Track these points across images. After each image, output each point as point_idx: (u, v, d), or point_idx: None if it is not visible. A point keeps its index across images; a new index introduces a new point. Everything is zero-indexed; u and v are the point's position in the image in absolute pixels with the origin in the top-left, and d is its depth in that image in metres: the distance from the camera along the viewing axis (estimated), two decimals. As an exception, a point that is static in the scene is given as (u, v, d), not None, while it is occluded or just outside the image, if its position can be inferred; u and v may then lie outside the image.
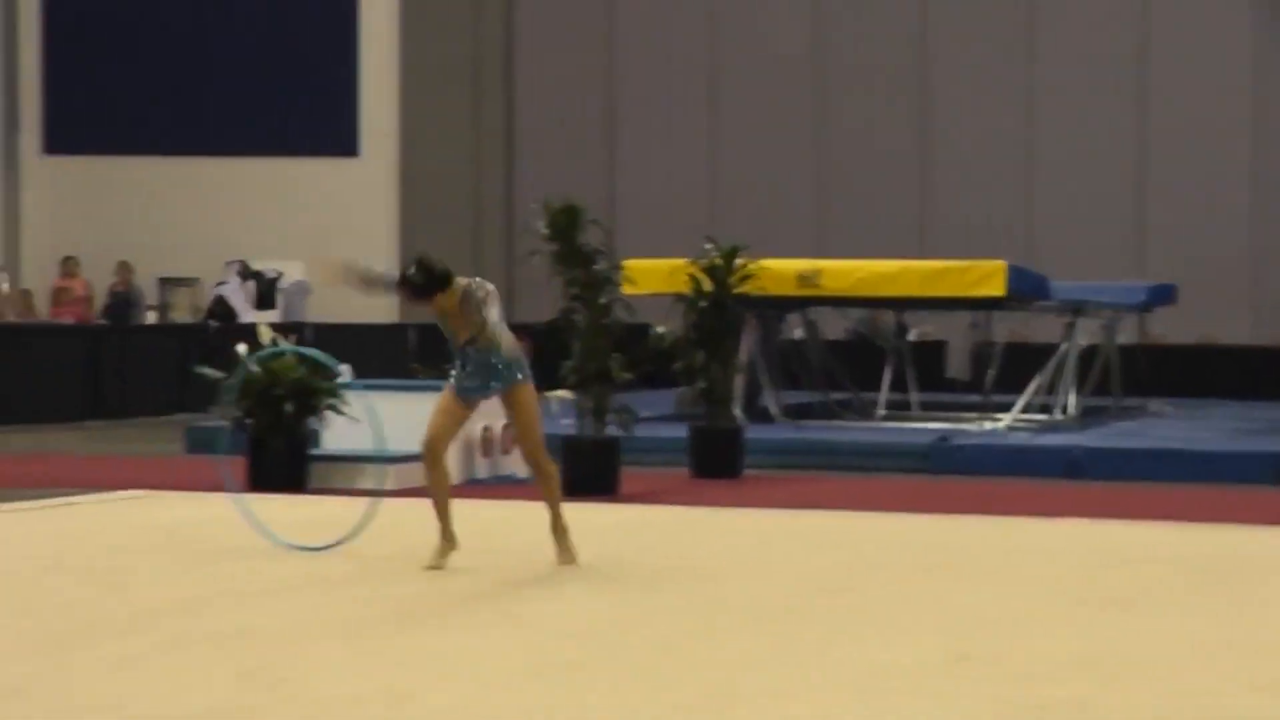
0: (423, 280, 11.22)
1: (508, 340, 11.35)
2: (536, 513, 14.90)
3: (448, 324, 11.40)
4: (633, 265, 17.95)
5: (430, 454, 11.52)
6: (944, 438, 20.09)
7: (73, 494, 15.71)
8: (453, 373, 11.57)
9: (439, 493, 11.60)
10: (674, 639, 9.12)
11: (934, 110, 35.65)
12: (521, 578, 11.35)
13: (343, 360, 18.42)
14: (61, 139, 32.56)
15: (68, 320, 28.82)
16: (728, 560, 12.33)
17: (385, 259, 32.57)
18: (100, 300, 30.15)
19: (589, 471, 16.23)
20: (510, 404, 11.59)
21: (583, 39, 35.12)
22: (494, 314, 11.21)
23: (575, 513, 14.75)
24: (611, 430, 16.41)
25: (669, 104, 34.97)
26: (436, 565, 11.41)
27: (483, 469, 17.18)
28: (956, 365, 28.28)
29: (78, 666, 8.16)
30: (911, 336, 28.22)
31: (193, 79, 32.15)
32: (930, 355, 29.15)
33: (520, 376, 11.44)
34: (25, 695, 7.49)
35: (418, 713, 7.25)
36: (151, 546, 12.63)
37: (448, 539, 11.56)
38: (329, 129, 32.31)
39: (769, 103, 35.17)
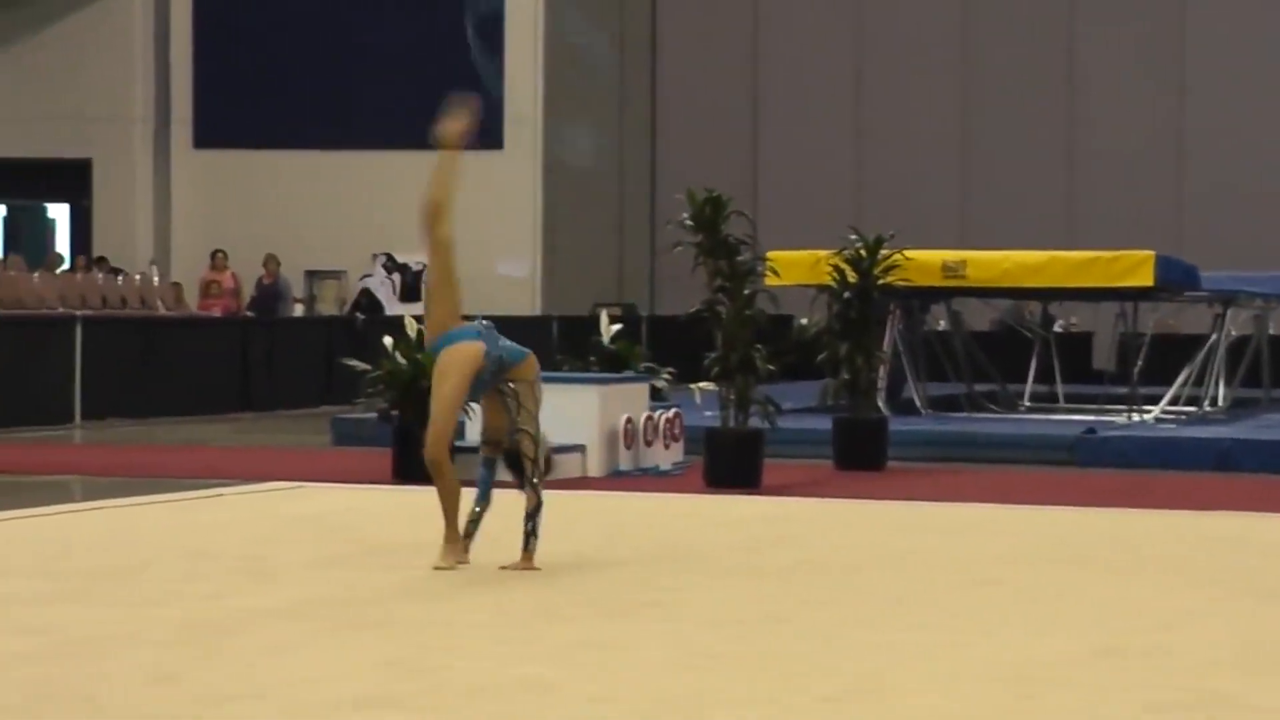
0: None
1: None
2: (679, 504, 14.97)
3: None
4: (777, 256, 17.88)
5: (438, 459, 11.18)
6: (1091, 430, 19.94)
7: (222, 485, 15.86)
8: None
9: (455, 497, 11.15)
10: (820, 630, 9.11)
11: (1081, 99, 35.38)
12: (665, 569, 11.35)
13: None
14: (211, 133, 32.85)
15: (216, 313, 29.09)
16: (872, 552, 12.29)
17: (528, 249, 32.78)
18: (248, 293, 30.42)
19: (732, 463, 16.22)
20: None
21: (727, 28, 35.06)
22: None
23: (718, 505, 14.81)
24: (755, 422, 16.37)
25: (813, 93, 34.87)
26: (448, 565, 10.92)
27: (625, 461, 17.19)
28: (1103, 356, 28.08)
29: (227, 655, 8.23)
30: (1058, 327, 28.05)
31: (339, 73, 32.34)
32: (1077, 346, 28.97)
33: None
34: (176, 682, 7.57)
35: (566, 702, 7.26)
36: (299, 537, 12.74)
37: (456, 539, 11.09)
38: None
39: (914, 92, 35.01)
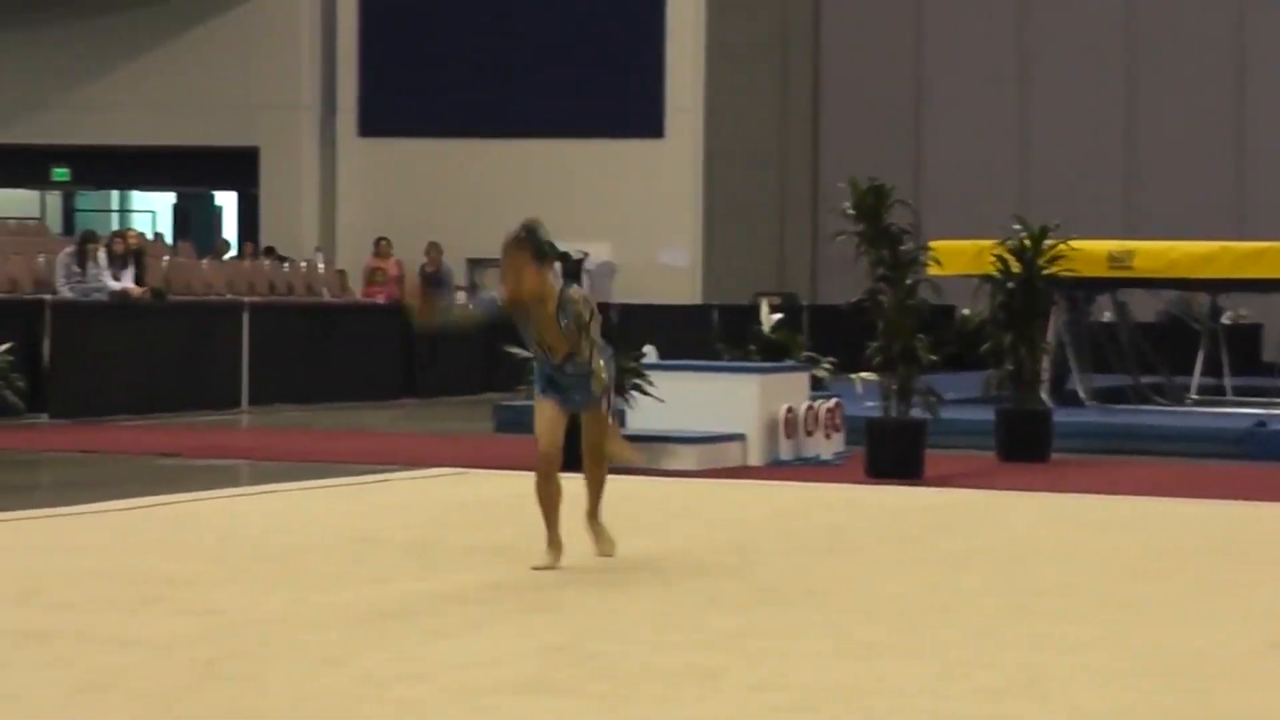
0: (528, 236, 10.36)
1: (600, 367, 10.28)
2: (840, 493, 14.95)
3: (538, 330, 10.34)
4: (940, 246, 17.82)
5: (553, 462, 10.45)
6: (1260, 423, 19.70)
7: (386, 470, 15.99)
8: (539, 387, 10.50)
9: (556, 497, 10.54)
10: (981, 621, 9.08)
11: (1252, 87, 34.93)
12: (826, 558, 11.35)
13: (648, 341, 18.62)
14: (376, 122, 33.11)
15: (380, 300, 29.32)
16: (1035, 544, 12.23)
17: (689, 238, 32.78)
18: (411, 280, 30.60)
19: (894, 453, 16.18)
20: (592, 419, 10.57)
21: (890, 15, 34.93)
22: (597, 335, 10.29)
23: (880, 495, 14.77)
24: (917, 412, 16.31)
25: (977, 82, 34.68)
26: (549, 565, 10.43)
27: (786, 450, 17.17)
28: (1273, 349, 27.75)
29: (392, 638, 8.31)
30: (1226, 319, 27.73)
31: (503, 63, 32.49)
32: (1245, 338, 28.63)
33: (605, 408, 10.50)
34: (341, 664, 7.65)
35: (728, 690, 7.29)
36: (463, 522, 12.83)
37: (557, 544, 10.52)
38: (636, 110, 32.48)
39: (1079, 82, 34.74)
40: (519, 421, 19.41)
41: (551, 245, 10.38)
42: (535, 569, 10.28)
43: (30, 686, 7.14)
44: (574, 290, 10.25)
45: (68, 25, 33.00)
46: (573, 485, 10.67)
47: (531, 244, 10.21)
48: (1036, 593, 10.06)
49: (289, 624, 8.63)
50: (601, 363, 10.18)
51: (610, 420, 10.35)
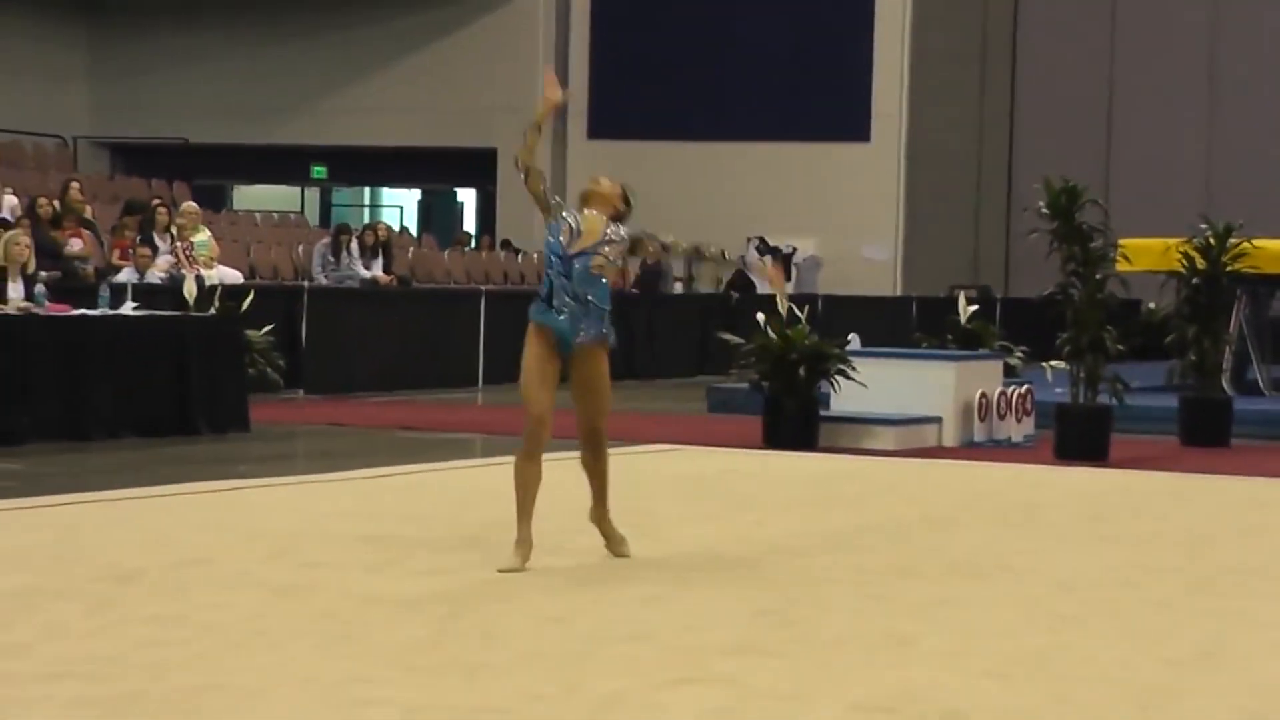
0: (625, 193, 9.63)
1: (610, 281, 9.38)
2: (1030, 474, 14.78)
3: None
4: (1128, 243, 17.55)
5: (539, 438, 9.46)
6: None
7: (610, 447, 16.01)
8: (536, 309, 9.32)
9: (534, 485, 9.42)
10: (1167, 596, 8.93)
11: None
12: (1017, 534, 11.23)
13: (851, 330, 18.53)
14: (604, 125, 33.25)
15: (604, 289, 29.39)
16: (1219, 525, 12.01)
17: (890, 234, 32.61)
18: (632, 273, 30.69)
19: (1081, 437, 15.99)
20: (592, 366, 9.57)
21: (1085, 20, 34.40)
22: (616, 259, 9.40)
23: (1068, 476, 14.60)
24: (1103, 398, 16.14)
25: (1167, 85, 34.07)
26: (515, 568, 9.02)
27: (979, 432, 17.03)
28: None
29: (613, 600, 8.33)
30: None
31: (720, 71, 32.51)
32: None
33: (611, 339, 9.53)
34: (567, 623, 7.68)
35: (923, 657, 7.22)
36: (678, 495, 12.83)
37: (527, 542, 9.20)
38: (843, 115, 32.35)
39: (1266, 82, 33.97)
40: (729, 403, 19.43)
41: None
42: (501, 571, 8.92)
43: (288, 636, 7.23)
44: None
45: (328, 38, 33.44)
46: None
47: (624, 196, 9.58)
48: (1219, 571, 9.88)
49: (518, 585, 8.67)
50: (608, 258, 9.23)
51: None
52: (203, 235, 21.81)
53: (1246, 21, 33.87)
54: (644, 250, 10.00)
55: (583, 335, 9.25)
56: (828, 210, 32.32)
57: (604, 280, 9.28)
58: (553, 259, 9.24)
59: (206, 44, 33.42)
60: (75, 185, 23.14)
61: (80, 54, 34.14)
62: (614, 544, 9.64)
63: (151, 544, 9.66)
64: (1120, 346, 16.16)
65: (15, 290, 15.69)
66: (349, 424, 17.72)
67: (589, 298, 9.21)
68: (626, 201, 9.58)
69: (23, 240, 16.65)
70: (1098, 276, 16.07)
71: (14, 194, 22.83)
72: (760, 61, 32.37)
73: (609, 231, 9.27)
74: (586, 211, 9.36)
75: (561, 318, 9.16)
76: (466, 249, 31.08)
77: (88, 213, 22.74)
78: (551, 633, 7.50)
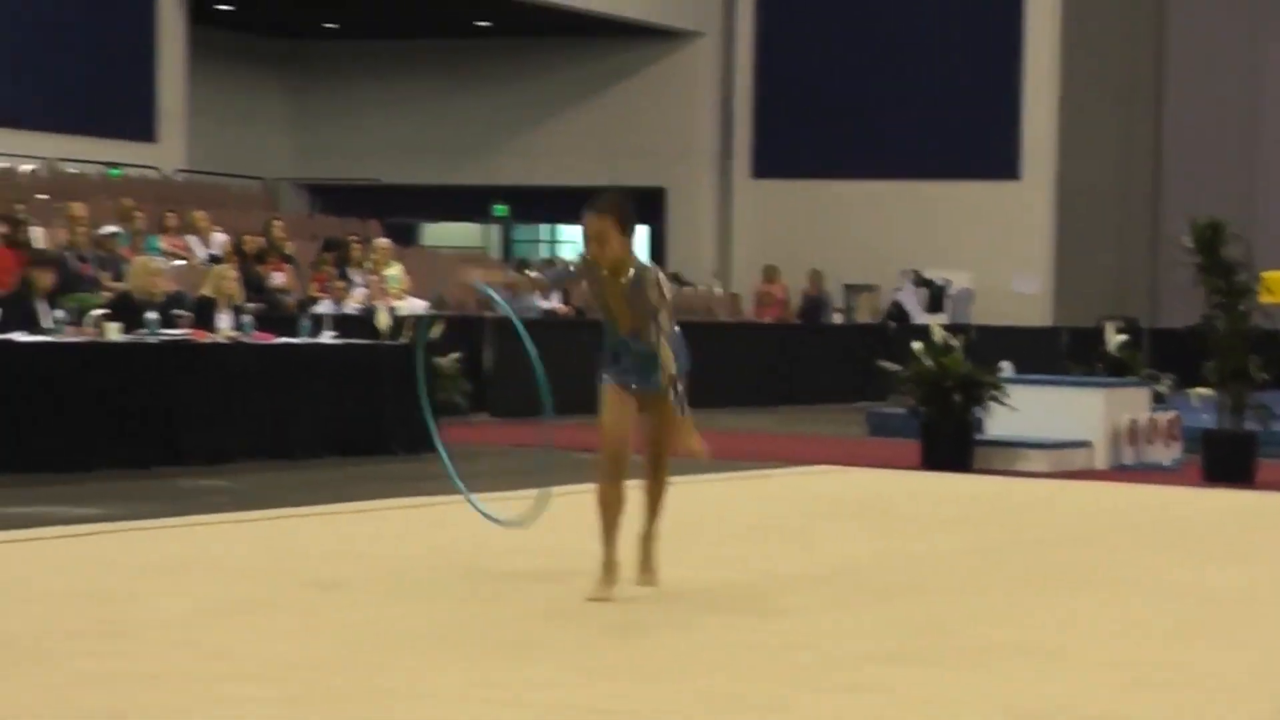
0: (618, 202, 8.55)
1: (668, 358, 8.47)
2: (1178, 495, 14.62)
3: (606, 298, 8.57)
4: (1270, 276, 17.43)
5: (619, 460, 8.65)
6: None
7: (772, 467, 16.05)
8: (606, 367, 8.83)
9: (617, 508, 8.64)
10: (1303, 612, 8.84)
11: None
12: (1164, 551, 11.12)
13: (1004, 358, 18.43)
14: (767, 165, 33.28)
15: (768, 320, 29.43)
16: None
17: (1041, 268, 32.35)
18: (795, 303, 30.70)
19: (1227, 461, 15.80)
20: (658, 412, 8.69)
21: (1230, 61, 33.83)
22: (667, 323, 8.50)
23: (1214, 497, 14.43)
24: (1249, 424, 15.95)
25: None
26: (603, 597, 8.45)
27: (1128, 456, 16.87)
28: None
29: (781, 611, 8.33)
30: None
31: (875, 112, 32.42)
32: None
33: (672, 399, 8.56)
34: (732, 633, 7.70)
35: (1070, 666, 7.19)
36: (838, 512, 12.82)
37: (614, 567, 8.59)
38: (994, 155, 32.16)
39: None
40: (887, 426, 19.38)
41: (631, 214, 8.55)
42: (590, 600, 8.39)
43: (476, 643, 7.31)
44: (653, 270, 8.50)
45: (509, 86, 33.72)
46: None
47: (619, 210, 8.45)
48: (1355, 587, 9.75)
49: (680, 598, 8.70)
50: (670, 353, 8.45)
51: (679, 412, 8.52)
52: (394, 269, 22.13)
53: None
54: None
55: (650, 384, 8.59)
56: (980, 245, 32.13)
57: (663, 359, 8.47)
58: (608, 331, 8.72)
59: (398, 93, 33.85)
60: (278, 224, 23.51)
61: (282, 103, 34.71)
62: (645, 570, 8.84)
63: (350, 556, 9.82)
64: (1264, 375, 15.98)
65: (224, 320, 16.00)
66: (529, 444, 17.84)
67: (652, 368, 8.54)
68: (619, 210, 8.47)
69: (230, 275, 16.99)
70: (1241, 308, 15.90)
71: (222, 232, 23.24)
72: (916, 104, 32.27)
73: (634, 278, 8.40)
74: (599, 261, 8.45)
75: (629, 377, 8.63)
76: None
77: (289, 249, 23.11)
78: (715, 641, 7.54)
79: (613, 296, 8.47)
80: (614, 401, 8.65)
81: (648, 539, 8.88)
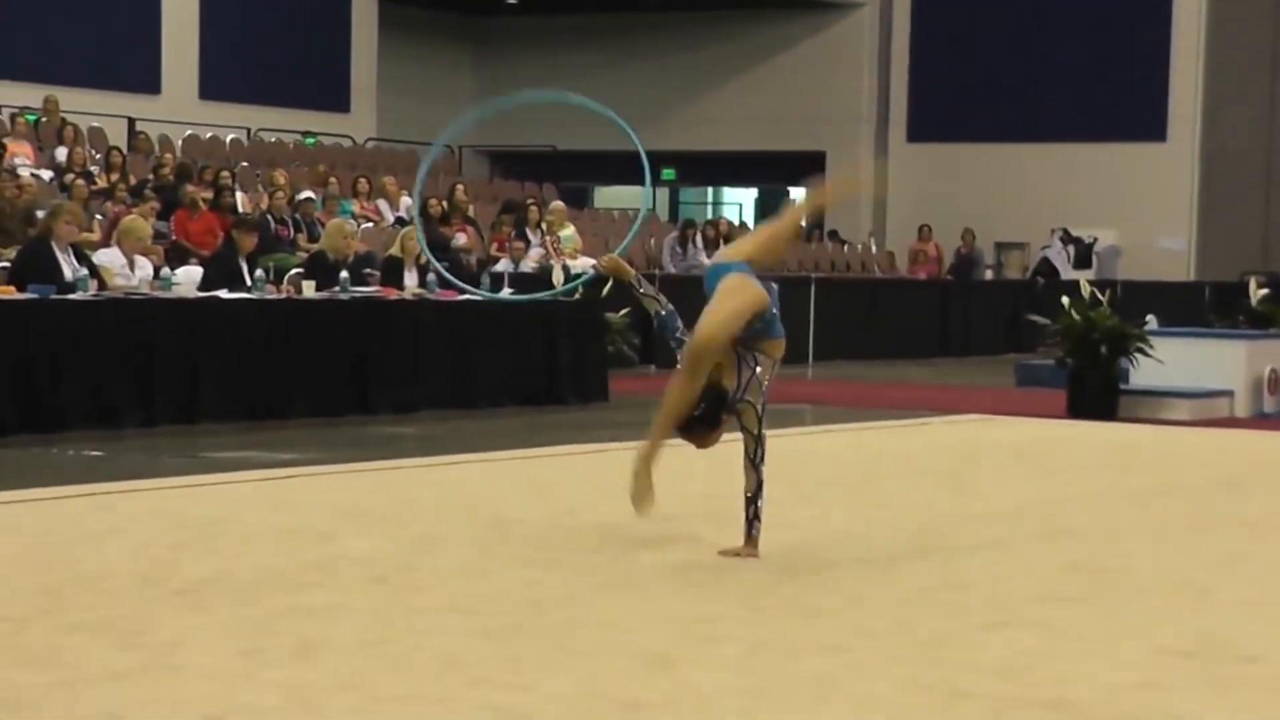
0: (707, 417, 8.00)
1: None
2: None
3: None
4: None
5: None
6: None
7: (927, 415, 15.94)
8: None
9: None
10: None
11: None
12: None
13: (1150, 311, 18.15)
14: (922, 130, 33.07)
15: (921, 276, 29.20)
16: None
17: (1185, 226, 31.85)
18: (948, 261, 30.43)
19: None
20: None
21: None
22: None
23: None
24: (1386, 374, 15.63)
25: None
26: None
27: (1269, 405, 16.56)
28: None
29: (944, 552, 8.27)
30: None
31: (1028, 78, 32.08)
32: None
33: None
34: (894, 572, 7.65)
35: (1215, 604, 7.08)
36: (991, 458, 12.70)
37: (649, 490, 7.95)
38: (1142, 117, 31.69)
39: None
40: (1036, 377, 19.16)
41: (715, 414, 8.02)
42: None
43: (649, 580, 7.32)
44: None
45: (676, 57, 33.71)
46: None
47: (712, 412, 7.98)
48: None
49: (854, 541, 8.66)
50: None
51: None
52: (568, 230, 22.17)
53: None
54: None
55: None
56: (1126, 204, 31.70)
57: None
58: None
59: (572, 64, 33.89)
60: (460, 188, 23.65)
61: (465, 75, 34.88)
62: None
63: (528, 498, 9.86)
64: (1402, 325, 15.65)
65: (411, 278, 16.11)
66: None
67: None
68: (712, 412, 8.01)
69: (416, 237, 17.07)
70: (1380, 261, 15.59)
71: (409, 196, 23.41)
72: (1065, 69, 31.87)
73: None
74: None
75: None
76: (800, 241, 31.05)
77: (471, 211, 23.24)
78: (880, 580, 7.49)
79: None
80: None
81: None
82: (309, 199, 21.06)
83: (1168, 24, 31.54)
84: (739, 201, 38.01)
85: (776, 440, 13.55)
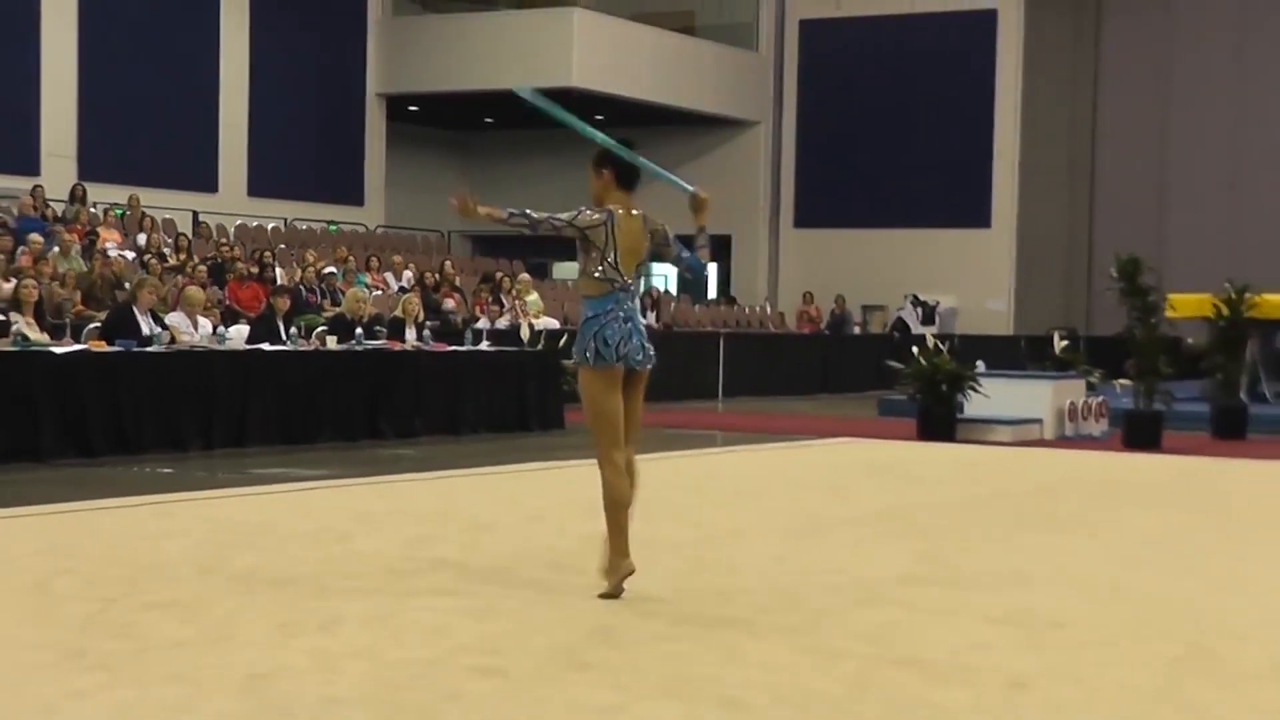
0: (627, 160, 6.60)
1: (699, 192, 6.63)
2: (1105, 458, 14.40)
3: (625, 242, 6.40)
4: (1175, 298, 17.15)
5: (617, 459, 6.38)
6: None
7: (809, 439, 15.96)
8: (596, 334, 6.23)
9: (627, 503, 6.44)
10: (1206, 541, 8.67)
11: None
12: (1097, 499, 10.93)
13: (979, 358, 18.22)
14: (804, 218, 33.17)
15: (806, 331, 29.28)
16: (1241, 492, 11.64)
17: (1005, 291, 32.05)
18: (825, 319, 30.53)
19: (1142, 432, 15.63)
20: (635, 388, 6.44)
21: (1145, 138, 32.80)
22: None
23: (1133, 460, 14.22)
24: (1158, 405, 15.74)
25: (1202, 178, 32.55)
26: (613, 594, 6.32)
27: (1069, 430, 16.66)
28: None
29: (819, 547, 8.27)
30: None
31: (884, 179, 32.20)
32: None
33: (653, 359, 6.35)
34: (785, 561, 7.63)
35: (1032, 585, 7.08)
36: (862, 471, 12.70)
37: (625, 557, 6.35)
38: (970, 209, 31.93)
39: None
40: (894, 409, 19.18)
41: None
42: (602, 597, 6.33)
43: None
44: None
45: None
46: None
47: (598, 157, 6.55)
48: (1242, 523, 9.56)
49: (753, 535, 8.62)
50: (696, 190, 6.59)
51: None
52: (533, 296, 22.13)
53: (1266, 128, 32.06)
54: (700, 206, 6.82)
55: (646, 357, 6.40)
56: (961, 276, 31.90)
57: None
58: (613, 283, 6.28)
59: (536, 168, 33.87)
60: (448, 263, 23.59)
61: (453, 175, 34.80)
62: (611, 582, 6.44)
63: (504, 504, 9.80)
64: (1169, 370, 15.81)
65: (410, 334, 16.04)
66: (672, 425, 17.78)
67: (640, 322, 6.41)
68: (597, 165, 6.62)
69: (415, 300, 17.03)
70: (1152, 321, 15.76)
71: (410, 269, 23.35)
72: (913, 172, 31.99)
73: (644, 222, 6.53)
74: (614, 211, 6.40)
75: (632, 349, 6.30)
76: (709, 305, 31.11)
77: (457, 281, 23.17)
78: (777, 569, 7.47)
79: (628, 234, 6.39)
80: (608, 386, 6.28)
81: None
82: (332, 272, 20.95)
83: (990, 138, 31.83)
84: (664, 274, 38.01)
85: (693, 459, 13.60)
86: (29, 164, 23.41)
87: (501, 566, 7.23)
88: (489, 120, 33.90)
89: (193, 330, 14.29)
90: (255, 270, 20.05)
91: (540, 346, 16.95)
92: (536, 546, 7.90)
